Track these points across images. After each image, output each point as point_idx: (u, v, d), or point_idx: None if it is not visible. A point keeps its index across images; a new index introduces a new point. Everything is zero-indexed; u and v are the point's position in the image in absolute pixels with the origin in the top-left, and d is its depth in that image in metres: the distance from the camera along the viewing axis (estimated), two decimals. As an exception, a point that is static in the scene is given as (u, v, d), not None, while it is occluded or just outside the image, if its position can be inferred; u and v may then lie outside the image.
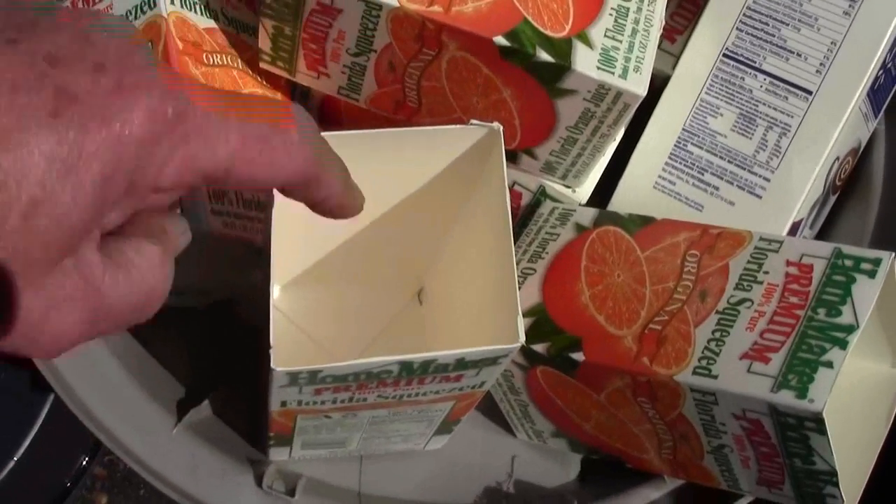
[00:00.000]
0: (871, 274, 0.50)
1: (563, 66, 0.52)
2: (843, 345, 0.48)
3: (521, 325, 0.46)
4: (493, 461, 0.64)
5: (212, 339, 0.63)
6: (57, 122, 0.27)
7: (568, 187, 0.61)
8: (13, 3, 0.30)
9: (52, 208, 0.28)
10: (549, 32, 0.52)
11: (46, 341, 0.30)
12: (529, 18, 0.52)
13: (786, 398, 0.47)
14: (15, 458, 1.01)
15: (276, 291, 0.62)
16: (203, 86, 0.32)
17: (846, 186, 0.66)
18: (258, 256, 0.52)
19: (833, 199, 0.65)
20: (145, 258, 0.33)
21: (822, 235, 0.66)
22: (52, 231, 0.28)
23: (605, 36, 0.53)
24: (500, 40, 0.52)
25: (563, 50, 0.52)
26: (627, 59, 0.53)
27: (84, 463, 1.00)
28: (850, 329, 0.48)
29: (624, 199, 0.62)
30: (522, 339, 0.46)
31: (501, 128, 0.50)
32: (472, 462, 0.64)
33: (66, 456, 1.01)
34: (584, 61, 0.52)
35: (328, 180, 0.37)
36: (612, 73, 0.52)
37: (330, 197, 0.38)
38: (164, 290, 0.35)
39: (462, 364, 0.47)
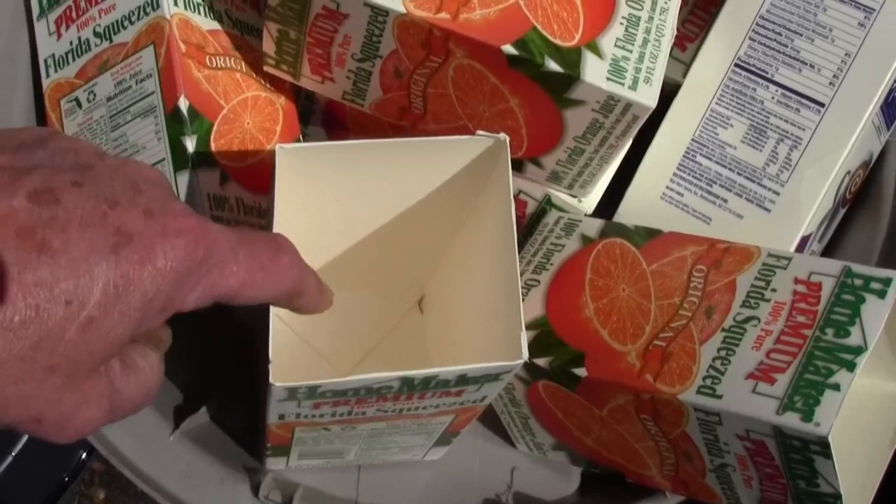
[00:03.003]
0: (881, 294, 0.49)
1: (571, 77, 0.51)
2: (850, 367, 0.47)
3: (525, 341, 0.46)
4: (492, 472, 0.63)
5: (210, 345, 0.63)
6: (117, 256, 0.33)
7: (574, 197, 0.60)
8: (55, 141, 0.35)
9: (103, 326, 0.33)
10: (558, 41, 0.52)
11: (71, 431, 0.36)
12: (538, 27, 0.51)
13: (791, 421, 0.46)
14: (13, 453, 1.01)
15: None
16: (221, 227, 0.38)
17: (856, 199, 0.65)
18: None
19: (843, 212, 0.64)
20: (148, 362, 0.39)
21: (830, 248, 0.65)
22: (100, 344, 0.33)
23: (616, 45, 0.52)
24: (509, 49, 0.51)
25: (572, 59, 0.51)
26: (638, 70, 0.52)
27: (82, 458, 1.00)
28: (859, 351, 0.47)
29: (631, 210, 0.61)
30: (526, 356, 0.45)
31: (508, 139, 0.49)
32: (472, 473, 0.63)
33: (63, 451, 1.00)
34: (594, 71, 0.51)
35: (308, 291, 0.44)
36: (622, 84, 0.52)
37: (308, 303, 0.45)
38: (158, 387, 0.40)
39: (463, 380, 0.47)
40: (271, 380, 0.44)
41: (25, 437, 1.02)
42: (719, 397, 0.48)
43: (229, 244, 0.38)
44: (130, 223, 0.34)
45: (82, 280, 0.32)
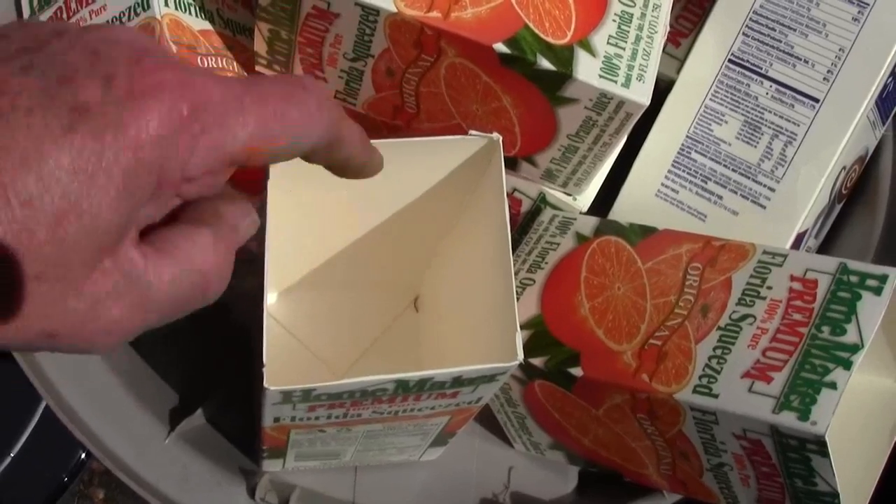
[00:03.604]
0: (878, 291, 0.48)
1: (564, 75, 0.51)
2: (847, 365, 0.46)
3: (520, 342, 0.45)
4: (489, 472, 0.63)
5: (205, 346, 0.62)
6: (73, 135, 0.29)
7: (569, 195, 0.60)
8: (25, 30, 0.31)
9: (78, 218, 0.29)
10: (550, 39, 0.51)
11: (97, 336, 0.32)
12: (531, 25, 0.51)
13: (787, 420, 0.46)
14: (12, 454, 1.01)
15: (271, 298, 0.61)
16: (216, 76, 0.33)
17: (852, 194, 0.65)
18: (251, 264, 0.51)
19: (839, 207, 0.64)
20: (193, 243, 0.34)
21: (827, 244, 0.65)
22: (82, 238, 0.30)
23: (608, 43, 0.52)
24: (501, 47, 0.50)
25: (564, 57, 0.51)
26: (630, 68, 0.52)
27: (81, 457, 1.00)
28: (855, 349, 0.47)
29: (626, 207, 0.61)
30: (521, 357, 0.45)
31: (501, 139, 0.49)
32: (469, 473, 0.63)
33: (63, 450, 1.00)
34: (586, 69, 0.51)
35: (349, 138, 0.38)
36: (615, 82, 0.51)
37: (353, 156, 0.39)
38: (218, 274, 0.35)
39: (459, 381, 0.46)
40: (266, 383, 0.43)
41: (25, 438, 1.02)
42: (715, 396, 0.48)
43: (229, 93, 0.33)
44: (87, 95, 0.30)
45: (37, 174, 0.28)
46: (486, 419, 0.62)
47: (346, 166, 0.40)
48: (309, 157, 0.38)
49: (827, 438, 0.45)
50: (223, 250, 0.36)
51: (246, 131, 0.33)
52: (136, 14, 0.56)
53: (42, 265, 0.29)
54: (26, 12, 0.62)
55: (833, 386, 0.46)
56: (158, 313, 0.34)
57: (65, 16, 0.60)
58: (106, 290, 0.31)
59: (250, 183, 0.59)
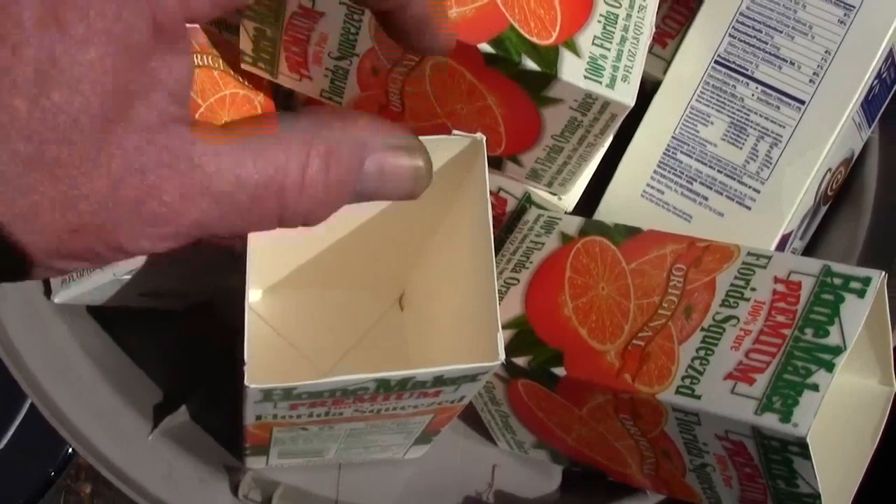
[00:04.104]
0: (861, 293, 0.48)
1: (548, 75, 0.51)
2: (829, 367, 0.47)
3: (501, 342, 0.45)
4: (473, 470, 0.63)
5: (190, 342, 0.62)
6: None
7: (554, 194, 0.60)
8: None
9: (60, 78, 0.25)
10: (535, 40, 0.51)
11: (136, 226, 0.27)
12: (516, 25, 0.51)
13: (769, 421, 0.46)
14: (-3, 449, 1.01)
15: (256, 296, 0.61)
16: None
17: (838, 196, 0.65)
18: (236, 261, 0.51)
19: (824, 209, 0.64)
20: (277, 138, 0.29)
21: (812, 246, 0.65)
22: (73, 102, 0.25)
23: (594, 44, 0.52)
24: (485, 47, 0.50)
25: (549, 58, 0.51)
26: (616, 68, 0.52)
27: (68, 452, 0.99)
28: (838, 351, 0.47)
29: (611, 208, 0.61)
30: (502, 357, 0.45)
31: (485, 139, 0.49)
32: (453, 471, 0.63)
33: (49, 445, 1.00)
34: (571, 70, 0.51)
35: None
36: (600, 83, 0.51)
37: None
38: (300, 187, 0.29)
39: (440, 381, 0.46)
40: (246, 381, 0.43)
41: (11, 433, 1.02)
42: (698, 398, 0.48)
43: None
44: None
45: (2, 38, 0.24)
46: (471, 417, 0.62)
47: (403, 10, 0.32)
48: None
49: (808, 440, 0.45)
50: (321, 157, 0.29)
51: None
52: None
53: (33, 144, 0.25)
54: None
55: (815, 388, 0.46)
56: (218, 207, 0.28)
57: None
58: (128, 165, 0.27)
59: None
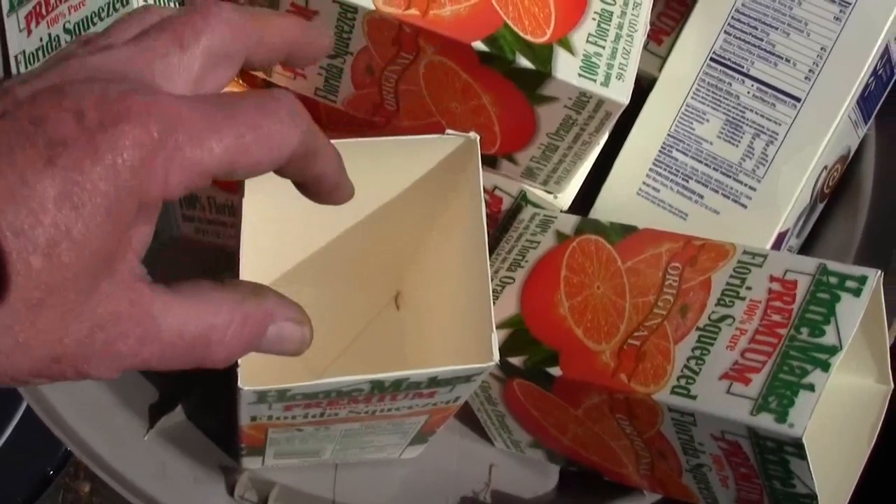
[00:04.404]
0: (857, 292, 0.48)
1: (543, 73, 0.51)
2: (825, 367, 0.46)
3: (496, 343, 0.45)
4: (470, 470, 0.63)
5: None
6: (54, 168, 0.30)
7: (549, 193, 0.60)
8: None
9: (70, 243, 0.31)
10: (529, 38, 0.51)
11: (100, 361, 0.33)
12: (510, 23, 0.51)
13: (765, 422, 0.46)
14: (-4, 447, 1.01)
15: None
16: (183, 97, 0.34)
17: (834, 194, 0.65)
18: (229, 261, 0.50)
19: (821, 207, 0.63)
20: (210, 300, 0.36)
21: (809, 243, 0.65)
22: (76, 263, 0.31)
23: (588, 42, 0.52)
24: (479, 45, 0.50)
25: (543, 56, 0.51)
26: (610, 66, 0.52)
27: (67, 450, 0.99)
28: (833, 350, 0.47)
29: (607, 206, 0.61)
30: (496, 358, 0.45)
31: (478, 138, 0.49)
32: (449, 470, 0.63)
33: (48, 444, 1.00)
34: (566, 68, 0.51)
35: (324, 151, 0.39)
36: (594, 81, 0.51)
37: (326, 173, 0.40)
38: (223, 341, 0.36)
39: (435, 382, 0.46)
40: (240, 383, 0.43)
41: (9, 431, 1.02)
42: (693, 398, 0.48)
43: (198, 111, 0.33)
44: (60, 131, 0.31)
45: (25, 206, 0.30)
46: (467, 417, 0.62)
47: (320, 183, 0.40)
48: (283, 171, 0.38)
49: (804, 441, 0.45)
50: (239, 322, 0.37)
51: (221, 146, 0.34)
52: (116, 9, 0.56)
53: (41, 292, 0.31)
54: (6, 8, 0.62)
55: (811, 388, 0.46)
56: (161, 351, 0.35)
57: (44, 10, 0.59)
58: (107, 314, 0.33)
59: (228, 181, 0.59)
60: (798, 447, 0.45)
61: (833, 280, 0.49)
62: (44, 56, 0.59)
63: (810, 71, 0.58)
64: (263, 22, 0.39)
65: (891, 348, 0.53)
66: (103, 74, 0.34)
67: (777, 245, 0.58)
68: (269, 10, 0.42)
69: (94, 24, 0.57)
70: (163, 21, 0.36)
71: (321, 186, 0.40)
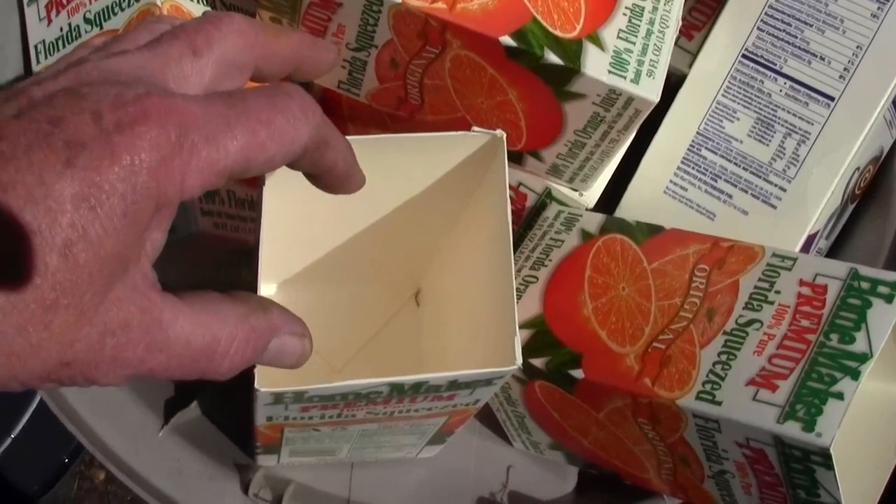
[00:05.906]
0: (889, 298, 0.47)
1: (572, 69, 0.49)
2: (854, 375, 0.45)
3: (518, 346, 0.44)
4: (487, 470, 0.62)
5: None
6: (72, 168, 0.31)
7: (575, 190, 0.58)
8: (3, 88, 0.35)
9: (87, 244, 0.31)
10: (558, 33, 0.50)
11: (109, 367, 0.33)
12: (538, 17, 0.50)
13: (792, 430, 0.44)
14: (12, 435, 1.01)
15: (270, 290, 0.60)
16: (198, 97, 0.34)
17: (865, 195, 0.63)
18: (248, 256, 0.50)
19: (851, 207, 0.62)
20: (217, 311, 0.36)
21: (838, 246, 0.64)
22: (92, 265, 0.31)
23: (618, 37, 0.51)
24: (507, 40, 0.49)
25: (572, 52, 0.50)
26: (640, 63, 0.51)
27: (81, 439, 0.99)
28: (864, 358, 0.46)
29: (633, 205, 0.60)
30: (519, 361, 0.44)
31: (504, 136, 0.48)
32: (466, 471, 0.62)
33: (63, 432, 1.00)
34: (595, 64, 0.50)
35: (335, 142, 0.39)
36: (624, 78, 0.50)
37: (338, 162, 0.40)
38: (226, 353, 0.36)
39: (455, 385, 0.45)
40: (256, 384, 0.43)
41: (25, 419, 1.02)
42: (719, 404, 0.47)
43: (212, 110, 0.34)
44: (79, 132, 0.31)
45: (44, 206, 0.30)
46: (486, 417, 0.61)
47: (332, 174, 0.41)
48: (296, 163, 0.39)
49: (832, 451, 0.43)
50: (244, 335, 0.37)
51: (236, 144, 0.34)
52: (137, 0, 0.55)
53: (56, 293, 0.31)
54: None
55: (840, 396, 0.45)
56: (167, 360, 0.35)
57: (64, 0, 0.59)
58: (118, 320, 0.33)
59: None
60: (825, 457, 0.44)
61: (864, 285, 0.48)
62: (64, 46, 0.58)
63: (845, 69, 0.56)
64: (274, 35, 0.40)
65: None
66: (118, 77, 0.34)
67: (806, 247, 0.57)
68: (279, 25, 0.44)
69: (114, 13, 0.56)
70: (175, 29, 0.37)
71: (333, 177, 0.41)
